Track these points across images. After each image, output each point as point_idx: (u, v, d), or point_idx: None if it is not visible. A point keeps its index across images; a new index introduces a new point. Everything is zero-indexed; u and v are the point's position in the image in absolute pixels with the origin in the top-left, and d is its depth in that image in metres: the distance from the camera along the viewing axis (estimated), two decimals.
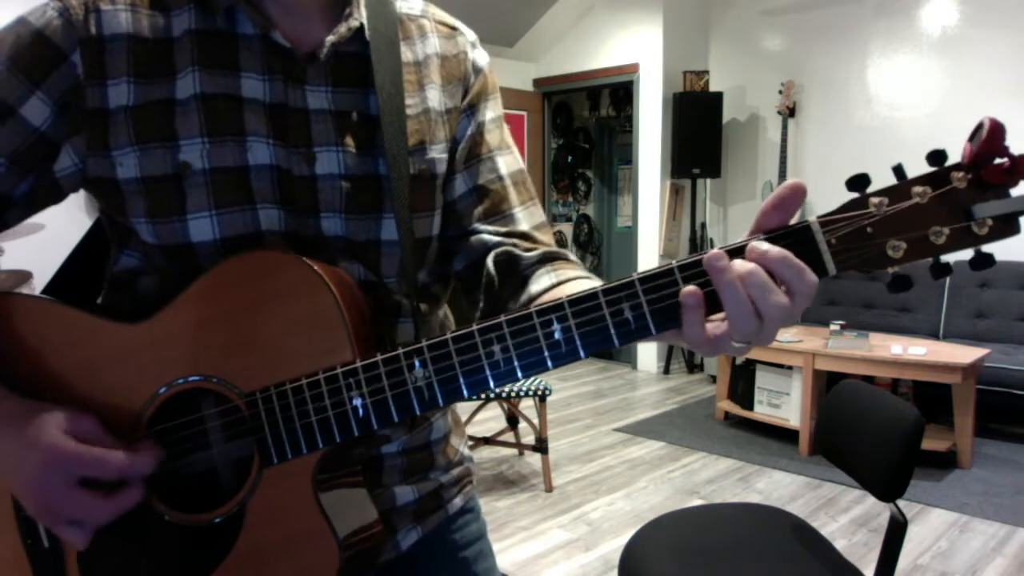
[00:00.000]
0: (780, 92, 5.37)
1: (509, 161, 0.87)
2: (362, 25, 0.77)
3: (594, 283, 0.71)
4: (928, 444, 3.51)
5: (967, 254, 0.59)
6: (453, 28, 0.88)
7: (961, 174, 0.57)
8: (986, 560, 2.85)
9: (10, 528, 0.73)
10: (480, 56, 0.88)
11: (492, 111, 0.88)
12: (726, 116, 5.79)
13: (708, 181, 6.02)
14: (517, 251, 0.81)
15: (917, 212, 0.57)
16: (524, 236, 0.84)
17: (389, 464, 0.82)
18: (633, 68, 5.85)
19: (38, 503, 0.67)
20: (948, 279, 4.74)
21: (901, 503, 1.54)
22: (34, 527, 0.72)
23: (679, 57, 5.77)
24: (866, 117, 5.22)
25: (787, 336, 4.16)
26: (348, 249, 0.76)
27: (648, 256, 5.91)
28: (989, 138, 0.55)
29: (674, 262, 0.60)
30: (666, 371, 5.91)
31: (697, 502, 3.40)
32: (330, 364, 0.67)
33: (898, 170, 0.58)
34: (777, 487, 3.59)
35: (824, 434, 1.88)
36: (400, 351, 0.65)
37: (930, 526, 3.15)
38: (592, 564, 2.85)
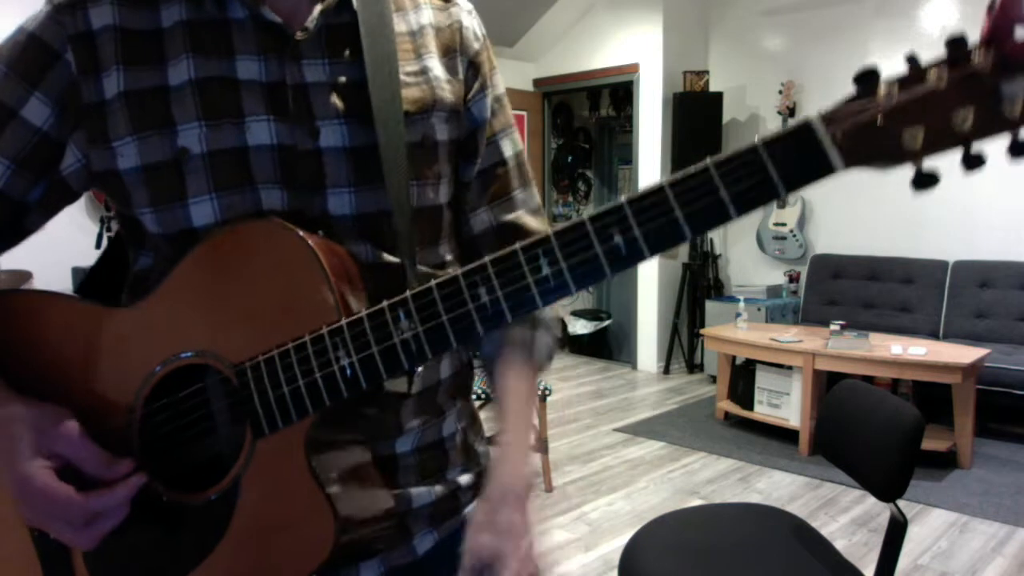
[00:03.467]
0: (780, 92, 5.37)
1: (511, 143, 0.88)
2: None
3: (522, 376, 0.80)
4: (928, 444, 3.51)
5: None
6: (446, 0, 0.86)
7: (982, 52, 0.49)
8: (986, 560, 2.85)
9: (19, 524, 0.73)
10: (478, 24, 0.87)
11: (499, 88, 0.87)
12: (726, 116, 5.78)
13: None
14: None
15: (935, 98, 0.50)
16: (516, 229, 0.85)
17: (404, 464, 0.81)
18: (633, 68, 5.85)
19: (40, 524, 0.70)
20: (948, 279, 4.74)
21: (901, 503, 1.54)
22: None
23: (679, 57, 5.77)
24: None
25: (787, 336, 4.16)
26: (356, 227, 0.75)
27: None
28: (1005, 2, 0.48)
29: (664, 180, 0.57)
30: (666, 371, 5.91)
31: (697, 502, 3.40)
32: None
33: (912, 59, 0.52)
34: (777, 487, 3.59)
35: (824, 434, 1.88)
36: (384, 304, 0.64)
37: (930, 526, 3.15)
38: (592, 564, 2.85)
